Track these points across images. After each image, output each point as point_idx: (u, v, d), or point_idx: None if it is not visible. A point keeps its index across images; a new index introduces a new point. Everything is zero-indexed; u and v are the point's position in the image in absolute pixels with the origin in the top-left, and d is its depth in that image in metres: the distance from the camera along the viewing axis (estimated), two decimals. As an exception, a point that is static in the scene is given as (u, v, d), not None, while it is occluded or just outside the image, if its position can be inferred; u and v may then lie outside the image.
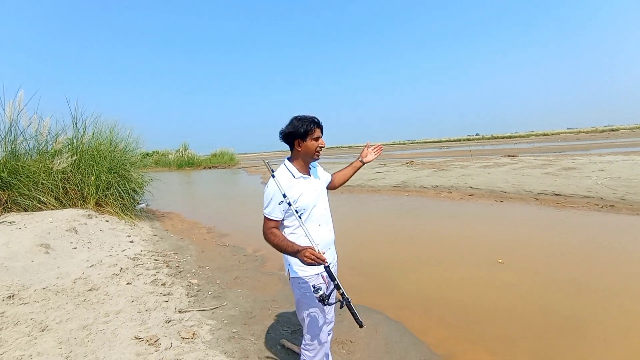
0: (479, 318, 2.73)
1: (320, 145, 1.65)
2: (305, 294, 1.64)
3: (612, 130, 54.76)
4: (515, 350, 2.30)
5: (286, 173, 1.64)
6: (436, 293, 3.20)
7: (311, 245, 1.46)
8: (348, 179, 2.05)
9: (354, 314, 1.47)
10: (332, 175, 2.03)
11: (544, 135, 61.62)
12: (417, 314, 2.86)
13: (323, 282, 1.63)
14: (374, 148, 2.05)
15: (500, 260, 3.82)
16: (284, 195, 1.53)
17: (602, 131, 54.25)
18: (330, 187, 2.00)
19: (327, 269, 1.46)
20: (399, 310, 2.91)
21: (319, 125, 1.65)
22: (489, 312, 2.81)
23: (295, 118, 1.64)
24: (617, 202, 5.97)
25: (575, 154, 14.76)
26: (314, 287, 1.47)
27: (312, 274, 1.63)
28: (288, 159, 1.71)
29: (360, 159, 2.05)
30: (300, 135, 1.61)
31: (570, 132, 63.16)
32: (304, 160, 1.68)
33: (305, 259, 1.40)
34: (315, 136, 1.63)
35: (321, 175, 1.87)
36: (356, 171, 2.07)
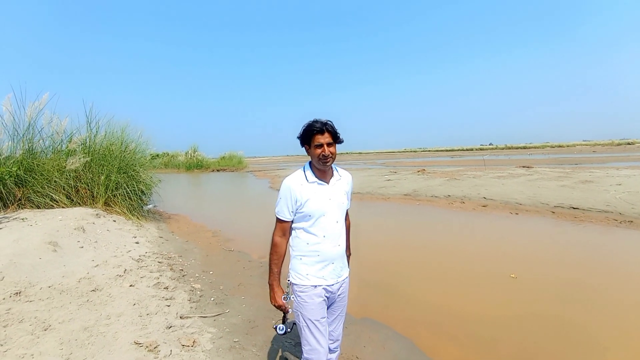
0: (492, 336, 2.58)
1: (322, 153, 1.55)
2: (298, 302, 1.61)
3: (629, 143, 53.20)
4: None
5: (300, 175, 1.63)
6: (447, 307, 3.06)
7: (284, 300, 1.62)
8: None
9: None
10: (346, 212, 1.79)
11: (559, 146, 60.34)
12: (427, 329, 2.72)
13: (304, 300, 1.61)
14: None
15: (513, 275, 3.68)
16: (292, 198, 1.57)
17: (619, 144, 52.73)
18: None
19: (284, 315, 1.69)
20: (408, 325, 2.78)
21: (320, 131, 1.55)
22: (501, 329, 2.67)
23: (307, 122, 1.61)
24: (637, 218, 5.72)
25: (592, 167, 14.30)
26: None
27: (309, 285, 1.59)
28: (309, 162, 1.68)
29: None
30: (305, 141, 1.62)
31: (586, 144, 61.61)
32: (317, 166, 1.62)
33: (271, 299, 1.63)
34: (315, 143, 1.56)
35: (346, 187, 1.72)
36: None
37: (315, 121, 1.58)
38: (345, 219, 1.78)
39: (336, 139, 1.60)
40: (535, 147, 63.56)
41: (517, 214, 6.81)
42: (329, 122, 1.59)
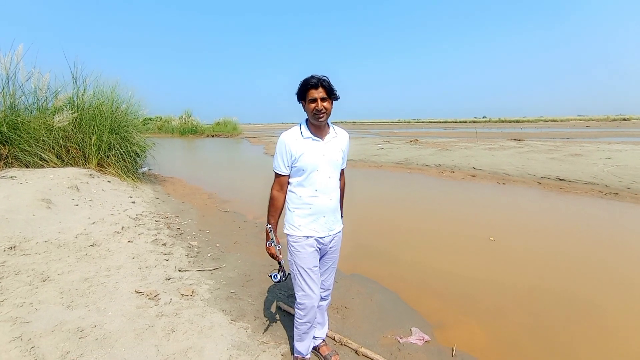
0: (471, 291, 2.79)
1: (315, 107, 1.57)
2: (292, 251, 1.71)
3: (624, 119, 53.49)
4: (505, 323, 2.37)
5: (295, 131, 1.68)
6: (431, 266, 3.26)
7: (277, 244, 1.71)
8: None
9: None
10: (341, 172, 1.85)
11: (553, 121, 60.49)
12: (411, 284, 2.92)
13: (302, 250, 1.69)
14: None
15: (492, 238, 3.91)
16: (287, 152, 1.63)
17: (614, 120, 53.04)
18: None
19: (280, 265, 1.77)
20: (395, 281, 2.96)
21: (315, 86, 1.57)
22: (479, 285, 2.89)
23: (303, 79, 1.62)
24: (622, 190, 5.91)
25: (583, 141, 14.50)
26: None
27: (301, 235, 1.68)
28: (306, 119, 1.70)
29: None
30: (300, 96, 1.64)
31: (580, 119, 61.83)
32: (312, 121, 1.64)
33: (266, 248, 1.72)
34: (310, 97, 1.58)
35: (342, 145, 1.75)
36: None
37: (312, 77, 1.58)
38: (340, 179, 1.83)
39: (331, 94, 1.61)
40: (528, 121, 63.55)
41: (504, 183, 7.00)
42: (324, 77, 1.59)
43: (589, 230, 4.24)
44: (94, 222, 3.56)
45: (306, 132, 1.65)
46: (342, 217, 1.90)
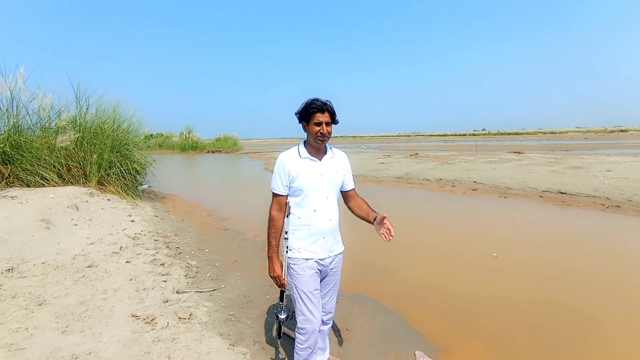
0: (474, 310, 2.73)
1: (320, 130, 1.60)
2: (292, 274, 1.68)
3: (622, 130, 53.92)
4: (510, 343, 2.30)
5: (294, 151, 1.70)
6: (433, 284, 3.20)
7: (281, 271, 1.66)
8: (357, 214, 1.82)
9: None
10: (353, 192, 1.85)
11: (552, 133, 60.91)
12: (414, 303, 2.85)
13: (303, 273, 1.66)
14: (385, 231, 1.63)
15: (495, 254, 3.86)
16: (286, 172, 1.64)
17: (612, 131, 53.40)
18: (345, 201, 1.86)
19: (282, 293, 1.77)
20: (396, 300, 2.90)
21: (321, 110, 1.60)
22: (483, 303, 2.83)
23: (307, 100, 1.66)
24: (624, 203, 5.87)
25: (582, 153, 14.52)
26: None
27: (301, 258, 1.66)
28: (304, 141, 1.73)
29: (374, 219, 1.71)
30: (303, 118, 1.66)
31: (578, 131, 62.27)
32: (312, 143, 1.67)
33: (270, 270, 1.68)
34: (315, 121, 1.61)
35: (339, 166, 1.75)
36: (365, 220, 1.79)
37: (316, 99, 1.62)
38: (355, 198, 1.84)
39: (334, 118, 1.66)
40: (527, 134, 64.12)
41: (505, 197, 6.97)
42: (328, 102, 1.63)
43: (593, 245, 4.17)
44: (92, 242, 3.54)
45: (304, 153, 1.68)
46: (376, 216, 1.70)
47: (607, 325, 2.46)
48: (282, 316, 1.76)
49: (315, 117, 1.60)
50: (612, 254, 3.86)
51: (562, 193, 6.81)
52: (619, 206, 5.78)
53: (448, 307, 2.78)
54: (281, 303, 1.78)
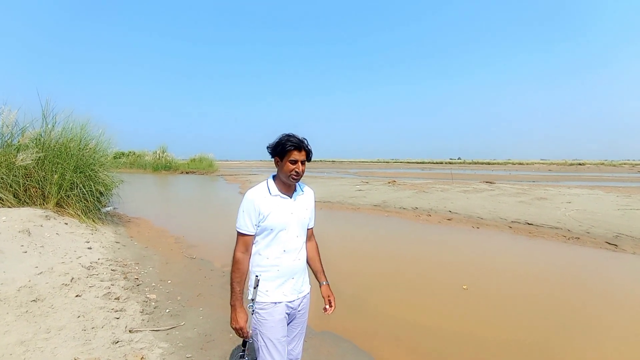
0: (446, 347, 2.68)
1: (295, 169, 1.53)
2: (257, 319, 1.54)
3: (580, 164, 58.54)
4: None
5: (263, 188, 1.60)
6: (406, 319, 3.13)
7: (245, 322, 1.51)
8: (307, 263, 1.75)
9: None
10: (311, 231, 1.78)
11: (520, 164, 64.80)
12: (386, 342, 2.75)
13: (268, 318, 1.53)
14: (328, 308, 1.75)
15: (465, 287, 3.88)
16: (256, 210, 1.53)
17: (571, 164, 57.74)
18: None
19: (244, 341, 1.58)
20: (368, 339, 2.79)
21: (298, 148, 1.54)
22: (455, 339, 2.79)
23: (283, 135, 1.58)
24: (583, 235, 6.19)
25: (547, 184, 15.42)
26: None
27: (269, 302, 1.54)
28: (273, 175, 1.65)
29: (321, 284, 1.77)
30: (278, 154, 1.57)
31: (543, 163, 66.82)
32: (283, 180, 1.59)
33: (232, 321, 1.52)
34: (290, 158, 1.53)
35: (308, 203, 1.70)
36: (313, 273, 1.79)
37: (292, 136, 1.56)
38: (311, 239, 1.77)
39: (309, 157, 1.60)
40: (498, 164, 67.98)
41: (478, 227, 7.15)
42: (305, 139, 1.58)
43: (558, 277, 4.32)
44: (41, 272, 3.22)
45: (274, 190, 1.59)
46: (325, 279, 1.77)
47: (575, 353, 2.47)
48: None
49: (291, 154, 1.53)
50: (576, 285, 4.02)
51: (529, 224, 7.09)
52: (578, 238, 6.09)
53: (419, 345, 2.71)
54: (243, 348, 1.64)
